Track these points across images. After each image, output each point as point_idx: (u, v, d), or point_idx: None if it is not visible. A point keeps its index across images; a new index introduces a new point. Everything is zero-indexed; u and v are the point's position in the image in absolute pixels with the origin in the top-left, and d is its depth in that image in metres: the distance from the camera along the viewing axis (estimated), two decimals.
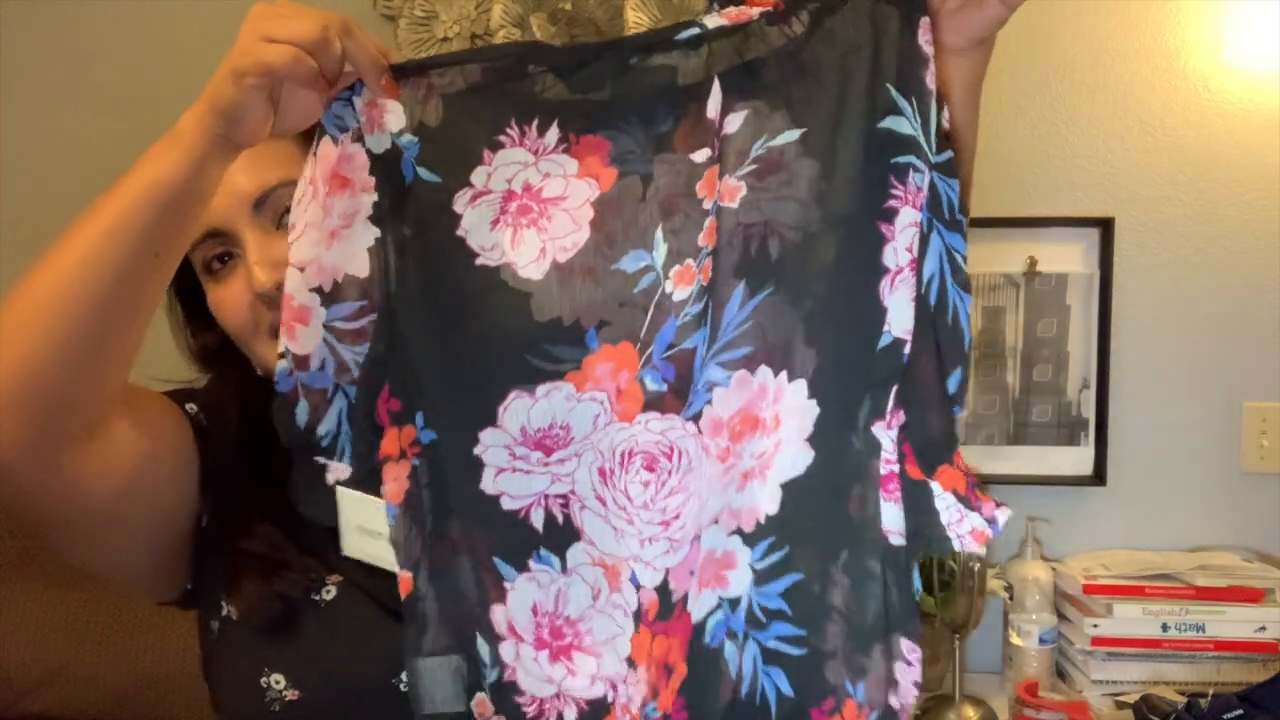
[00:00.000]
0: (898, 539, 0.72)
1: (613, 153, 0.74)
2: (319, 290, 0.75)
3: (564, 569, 0.77)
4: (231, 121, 0.68)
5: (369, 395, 0.77)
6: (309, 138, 0.76)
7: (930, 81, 0.71)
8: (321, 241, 0.74)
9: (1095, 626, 1.58)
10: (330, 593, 0.84)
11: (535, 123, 0.74)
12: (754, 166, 0.74)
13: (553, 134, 0.74)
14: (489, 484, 0.76)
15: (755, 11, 0.73)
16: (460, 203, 0.75)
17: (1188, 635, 1.58)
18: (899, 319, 0.72)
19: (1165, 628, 1.58)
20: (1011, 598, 1.68)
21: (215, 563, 0.86)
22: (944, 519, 0.73)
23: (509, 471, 0.76)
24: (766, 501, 0.75)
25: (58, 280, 0.67)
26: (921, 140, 0.71)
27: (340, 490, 0.78)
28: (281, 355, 0.76)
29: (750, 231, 0.74)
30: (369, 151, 0.75)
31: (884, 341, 0.72)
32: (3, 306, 0.68)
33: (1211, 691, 1.45)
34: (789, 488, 0.75)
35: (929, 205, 0.71)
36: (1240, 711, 1.36)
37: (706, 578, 0.76)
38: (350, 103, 0.74)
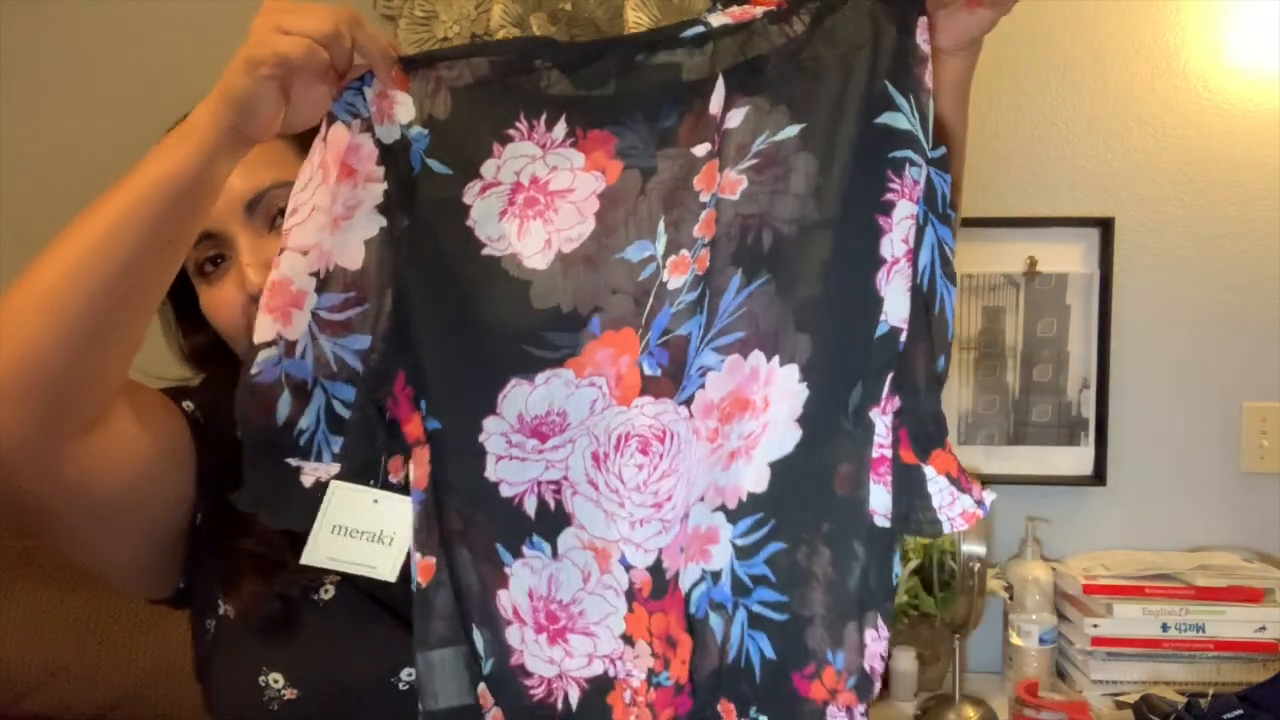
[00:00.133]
0: (883, 520, 0.75)
1: (619, 146, 0.76)
2: (316, 275, 0.75)
3: (554, 554, 0.78)
4: (244, 113, 0.69)
5: (375, 385, 0.76)
6: (303, 140, 0.76)
7: (927, 79, 0.72)
8: (326, 227, 0.74)
9: (1095, 626, 1.58)
10: (329, 592, 0.84)
11: (544, 117, 0.76)
12: (754, 161, 0.75)
13: (560, 128, 0.76)
14: (491, 471, 0.77)
15: (758, 10, 0.75)
16: (470, 194, 0.76)
17: (1188, 635, 1.58)
18: (895, 308, 0.74)
19: (1165, 628, 1.58)
20: (1011, 598, 1.68)
21: (210, 562, 0.86)
22: (936, 502, 0.75)
23: (506, 459, 0.77)
24: (751, 480, 0.78)
25: (63, 269, 0.67)
26: (919, 135, 0.72)
27: (335, 485, 0.76)
28: (271, 343, 0.74)
29: (747, 223, 0.76)
30: (379, 141, 0.75)
31: (881, 330, 0.74)
32: (6, 295, 0.68)
33: (1211, 691, 1.45)
34: (777, 465, 0.77)
35: (924, 199, 0.73)
36: (1240, 711, 1.36)
37: (692, 552, 0.79)
38: (361, 92, 0.75)
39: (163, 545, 0.85)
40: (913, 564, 1.63)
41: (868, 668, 0.76)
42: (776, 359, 0.76)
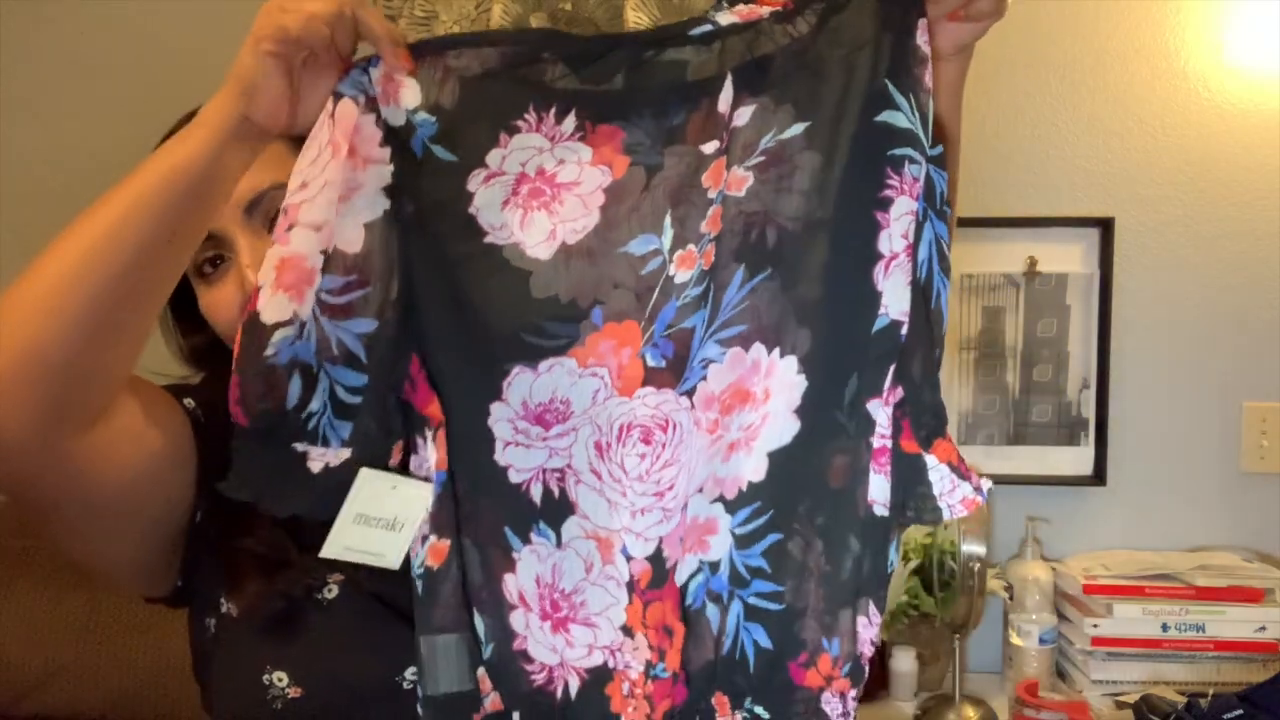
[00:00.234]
0: (881, 509, 0.76)
1: (626, 142, 0.77)
2: (325, 254, 0.73)
3: (559, 543, 0.79)
4: (250, 96, 0.69)
5: (388, 369, 0.76)
6: (302, 143, 0.76)
7: (927, 79, 0.74)
8: (335, 203, 0.73)
9: (1095, 626, 1.58)
10: (332, 592, 0.84)
11: (553, 109, 0.76)
12: (761, 159, 0.76)
13: (570, 121, 0.76)
14: (500, 455, 0.78)
15: (765, 10, 0.76)
16: (474, 182, 0.76)
17: (1188, 635, 1.58)
18: (896, 301, 0.75)
19: (1165, 628, 1.58)
20: (1011, 598, 1.68)
21: (211, 561, 0.86)
22: (937, 489, 0.76)
23: (513, 445, 0.78)
24: (751, 470, 0.79)
25: (70, 262, 0.67)
26: (919, 133, 0.74)
27: (364, 473, 0.74)
28: (287, 322, 0.72)
29: (751, 220, 0.77)
30: (385, 123, 0.75)
31: (881, 323, 0.75)
32: (12, 287, 0.68)
33: (1211, 691, 1.45)
34: (775, 456, 0.78)
35: (924, 195, 0.75)
36: (1240, 711, 1.36)
37: (690, 543, 0.80)
38: (367, 71, 0.74)
39: (162, 543, 0.84)
40: (913, 564, 1.63)
41: (859, 653, 0.77)
42: (777, 351, 0.77)
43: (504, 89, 0.76)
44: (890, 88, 0.74)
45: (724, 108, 0.76)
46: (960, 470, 0.77)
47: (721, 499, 0.79)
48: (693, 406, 0.78)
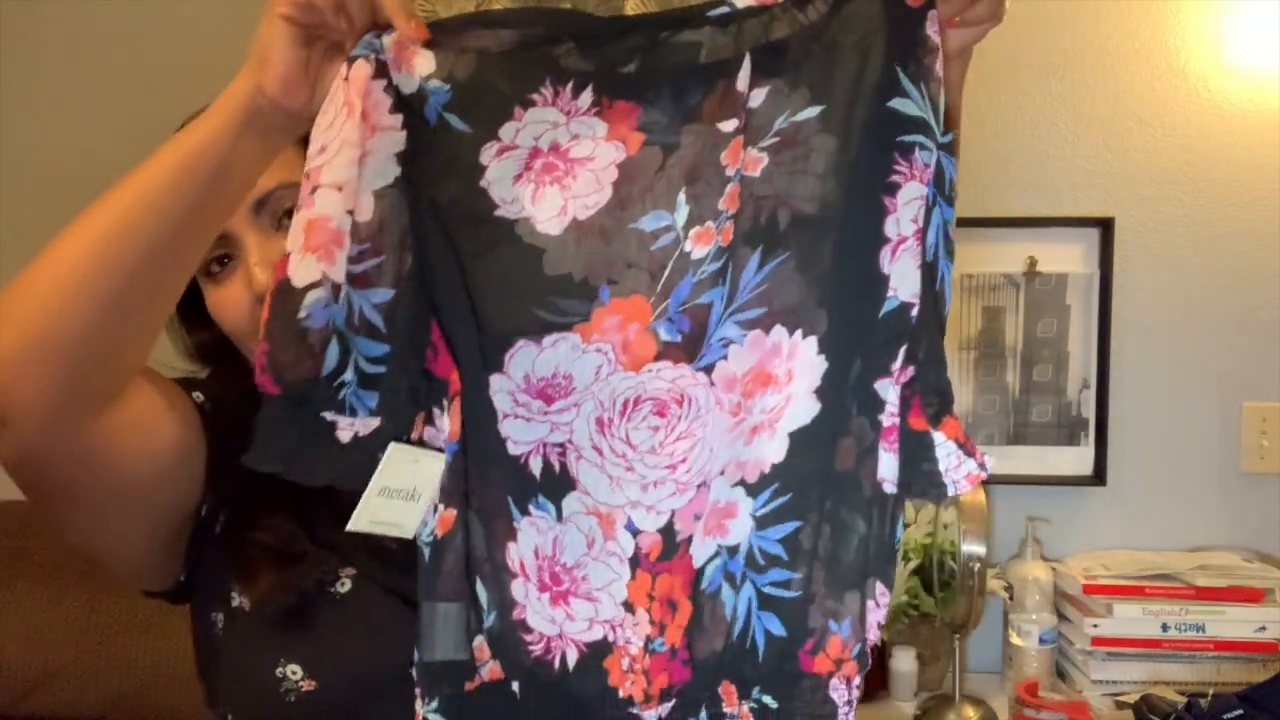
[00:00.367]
0: (891, 487, 0.77)
1: (641, 119, 0.77)
2: (350, 215, 0.72)
3: (559, 517, 0.79)
4: (264, 64, 0.69)
5: (408, 338, 0.75)
6: (307, 142, 0.75)
7: (938, 68, 0.74)
8: (355, 163, 0.72)
9: (1095, 626, 1.59)
10: (345, 585, 0.85)
11: (570, 84, 0.76)
12: (775, 140, 0.77)
13: (587, 96, 0.76)
14: (500, 426, 0.78)
15: None
16: (486, 155, 0.76)
17: (1188, 635, 1.58)
18: (905, 284, 0.76)
19: (1165, 628, 1.58)
20: (1011, 598, 1.68)
21: (217, 555, 0.86)
22: (943, 465, 0.77)
23: (513, 417, 0.78)
24: (774, 452, 0.79)
25: (91, 241, 0.68)
26: (930, 120, 0.74)
27: (393, 447, 0.74)
28: (318, 283, 0.70)
29: (761, 203, 0.77)
30: (395, 89, 0.74)
31: (890, 305, 0.76)
32: (31, 267, 0.68)
33: (1211, 691, 1.45)
34: (796, 436, 0.79)
35: (933, 181, 0.75)
36: (1240, 711, 1.36)
37: (710, 526, 0.80)
38: (380, 37, 0.73)
39: (167, 535, 0.85)
40: (913, 564, 1.63)
41: (866, 638, 0.78)
42: (799, 332, 0.78)
43: (520, 65, 0.76)
44: (900, 75, 0.74)
45: (742, 86, 0.76)
46: (966, 447, 0.78)
47: (743, 483, 0.80)
48: (712, 384, 0.79)
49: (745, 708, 0.79)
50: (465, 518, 0.78)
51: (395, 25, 0.72)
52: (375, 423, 0.74)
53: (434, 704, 0.77)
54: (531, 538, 0.79)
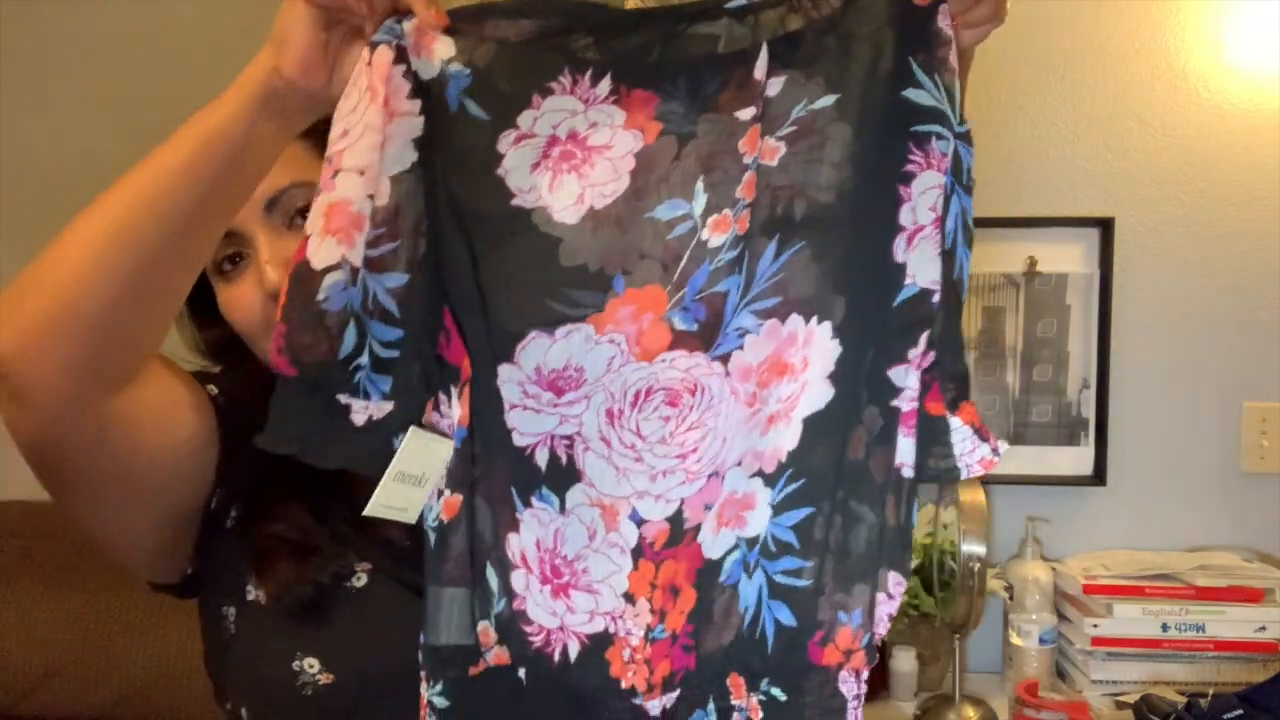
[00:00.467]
0: (909, 471, 0.77)
1: (659, 108, 0.77)
2: (371, 199, 0.73)
3: (562, 509, 0.79)
4: (282, 45, 0.69)
5: (422, 322, 0.76)
6: (320, 142, 0.76)
7: (952, 59, 0.75)
8: (378, 147, 0.72)
9: (1095, 626, 1.59)
10: (361, 580, 0.85)
11: (589, 73, 0.76)
12: (792, 128, 0.77)
13: (605, 85, 0.76)
14: (506, 417, 0.78)
15: None
16: (504, 143, 0.76)
17: (1188, 635, 1.58)
18: (925, 271, 0.76)
19: (1165, 628, 1.58)
20: (1011, 598, 1.68)
21: (232, 549, 0.86)
22: (958, 449, 0.78)
23: (520, 409, 0.78)
24: (790, 439, 0.79)
25: (112, 219, 0.69)
26: (946, 110, 0.75)
27: (413, 431, 0.75)
28: (337, 266, 0.71)
29: (779, 193, 0.78)
30: (414, 75, 0.74)
31: (909, 293, 0.77)
32: (52, 245, 0.70)
33: (1211, 691, 1.45)
34: (809, 421, 0.79)
35: (951, 170, 0.76)
36: (1240, 711, 1.36)
37: (726, 518, 0.80)
38: (400, 23, 0.74)
39: (177, 524, 0.85)
40: (913, 564, 1.63)
41: (876, 631, 0.78)
42: (815, 319, 0.78)
43: (538, 54, 0.76)
44: (913, 65, 0.75)
45: (760, 75, 0.76)
46: (981, 433, 0.79)
47: (761, 473, 0.80)
48: (728, 374, 0.79)
49: (754, 700, 0.79)
50: (472, 503, 0.78)
51: (415, 11, 0.73)
52: (388, 406, 0.75)
53: (439, 687, 0.77)
54: (534, 530, 0.79)
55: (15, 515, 1.81)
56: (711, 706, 0.79)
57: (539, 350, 0.77)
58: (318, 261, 0.71)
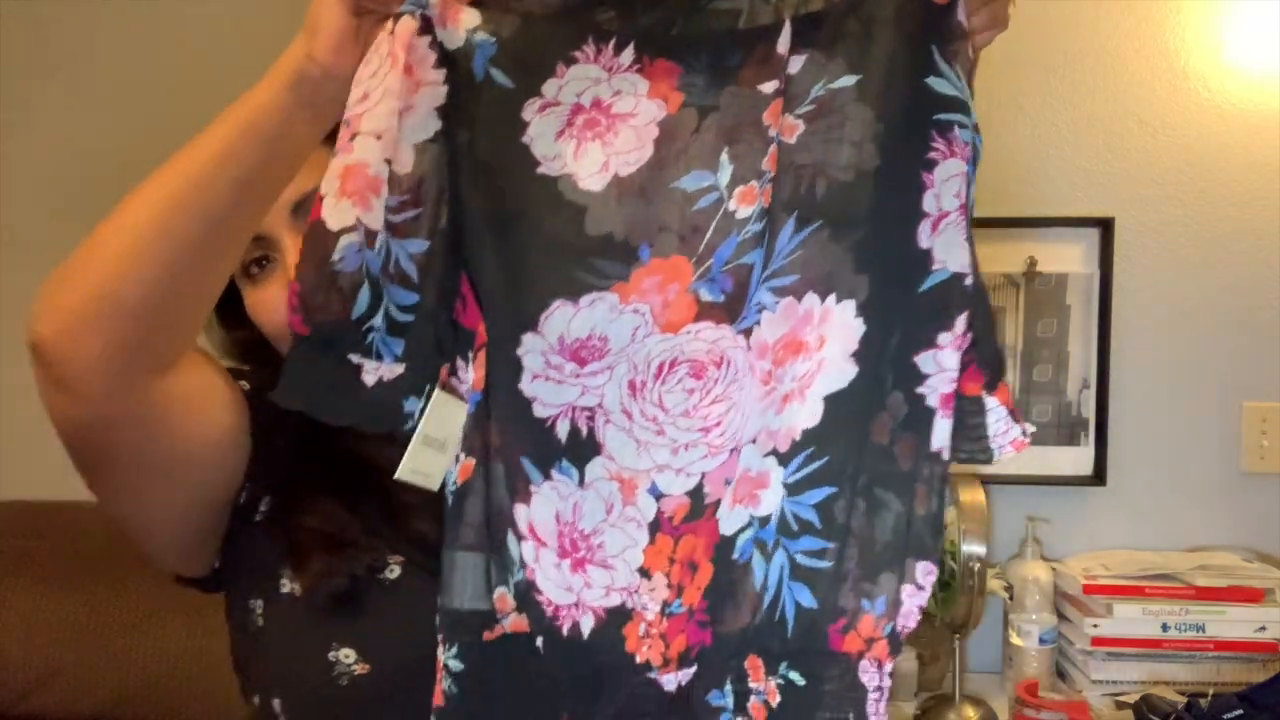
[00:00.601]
0: (947, 454, 0.78)
1: (682, 79, 0.77)
2: (388, 164, 0.73)
3: (581, 482, 0.79)
4: (314, 31, 0.70)
5: (440, 288, 0.76)
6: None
7: (969, 51, 0.76)
8: (396, 112, 0.73)
9: (1095, 626, 1.59)
10: (394, 572, 0.86)
11: (612, 42, 0.77)
12: (812, 106, 0.77)
13: (628, 54, 0.77)
14: (526, 386, 0.78)
15: None
16: (529, 111, 0.77)
17: (1188, 635, 1.58)
18: (954, 257, 0.77)
19: (1165, 628, 1.58)
20: (1011, 598, 1.68)
21: (263, 542, 0.87)
22: (992, 430, 0.79)
23: (542, 378, 0.78)
24: (805, 418, 0.79)
25: (154, 206, 0.70)
26: (967, 100, 0.76)
27: (438, 395, 0.76)
28: (352, 228, 0.72)
29: (801, 172, 0.78)
30: (439, 44, 0.75)
31: (940, 278, 0.77)
32: (99, 228, 0.71)
33: (1211, 691, 1.45)
34: (831, 400, 0.79)
35: (972, 160, 0.78)
36: (1240, 711, 1.36)
37: (740, 494, 0.79)
38: None
39: (207, 515, 0.86)
40: None
41: (900, 626, 0.77)
42: (833, 297, 0.78)
43: (562, 26, 0.77)
44: (935, 54, 0.75)
45: (783, 50, 0.77)
46: (1014, 415, 0.79)
47: (774, 452, 0.79)
48: (749, 348, 0.79)
49: (772, 683, 0.79)
50: (486, 468, 0.78)
51: None
52: (399, 369, 0.76)
53: (454, 650, 0.77)
54: (552, 503, 0.78)
55: (15, 515, 1.81)
56: (729, 689, 0.79)
57: (563, 319, 0.77)
58: (333, 222, 0.72)
